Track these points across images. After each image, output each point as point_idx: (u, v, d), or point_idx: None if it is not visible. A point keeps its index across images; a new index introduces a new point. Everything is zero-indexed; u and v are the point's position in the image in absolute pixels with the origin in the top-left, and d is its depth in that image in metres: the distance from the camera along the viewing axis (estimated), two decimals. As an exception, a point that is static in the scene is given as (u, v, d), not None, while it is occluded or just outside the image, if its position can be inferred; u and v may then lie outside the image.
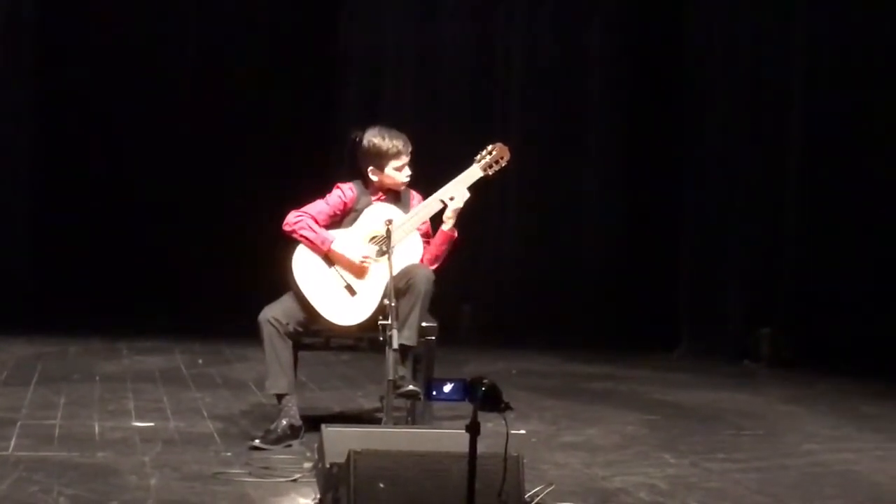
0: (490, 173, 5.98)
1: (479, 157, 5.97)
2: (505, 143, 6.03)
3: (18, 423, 6.04)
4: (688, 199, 9.61)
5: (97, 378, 7.40)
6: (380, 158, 5.92)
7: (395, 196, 5.98)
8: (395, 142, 5.92)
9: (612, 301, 9.85)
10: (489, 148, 5.99)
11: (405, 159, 5.95)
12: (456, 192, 5.89)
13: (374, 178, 5.95)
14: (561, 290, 9.96)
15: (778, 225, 9.34)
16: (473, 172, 5.95)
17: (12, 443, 5.63)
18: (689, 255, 9.59)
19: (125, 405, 6.63)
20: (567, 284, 9.98)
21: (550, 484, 4.97)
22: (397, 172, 5.94)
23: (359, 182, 5.99)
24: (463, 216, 5.94)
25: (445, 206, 5.90)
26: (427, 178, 6.12)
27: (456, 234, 5.96)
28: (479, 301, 9.84)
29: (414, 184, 6.04)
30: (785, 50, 9.28)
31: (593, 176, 10.09)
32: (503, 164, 5.99)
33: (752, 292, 9.34)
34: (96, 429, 6.02)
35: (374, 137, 5.94)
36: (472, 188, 5.93)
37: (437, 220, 5.97)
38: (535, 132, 9.97)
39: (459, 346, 8.67)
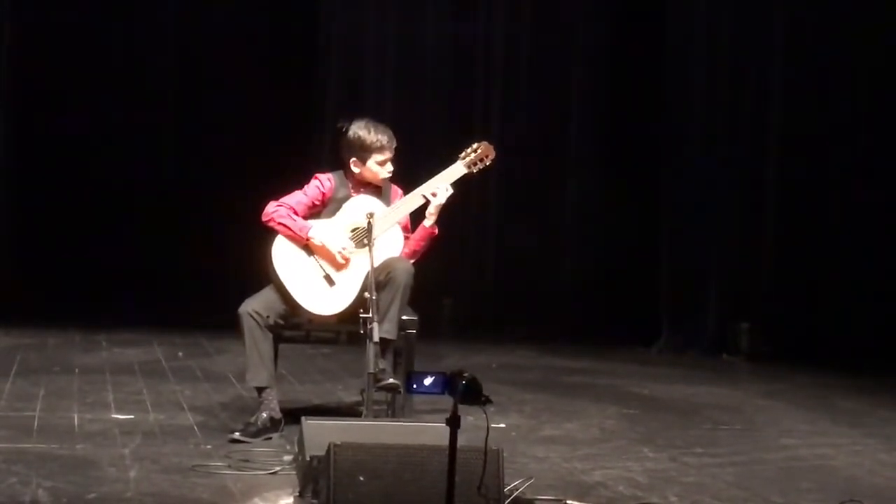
0: (474, 171, 5.97)
1: (463, 154, 5.96)
2: (486, 138, 6.02)
3: (-3, 415, 6.04)
4: (667, 194, 9.63)
5: (76, 370, 7.38)
6: (363, 151, 5.92)
7: (376, 189, 5.98)
8: (380, 136, 5.91)
9: (592, 295, 9.87)
10: (475, 146, 5.97)
11: (388, 155, 5.93)
12: (439, 189, 5.89)
13: (355, 169, 5.95)
14: (541, 284, 9.98)
15: (757, 220, 9.38)
16: (457, 169, 5.94)
17: (-9, 434, 5.62)
18: (669, 249, 9.61)
19: (104, 397, 6.62)
20: (547, 279, 10.00)
21: (530, 477, 4.98)
22: (379, 167, 5.93)
23: (339, 173, 5.99)
24: (444, 211, 5.93)
25: (427, 202, 5.90)
26: (408, 170, 6.12)
27: (437, 231, 5.96)
28: (459, 295, 9.84)
29: (394, 177, 6.03)
30: (766, 45, 9.32)
31: (574, 171, 10.09)
32: (487, 162, 5.98)
33: (730, 287, 9.38)
34: (75, 421, 6.01)
35: (360, 130, 5.93)
36: (454, 184, 5.92)
37: (416, 214, 5.97)
38: (517, 127, 9.96)
39: (440, 339, 8.69)
